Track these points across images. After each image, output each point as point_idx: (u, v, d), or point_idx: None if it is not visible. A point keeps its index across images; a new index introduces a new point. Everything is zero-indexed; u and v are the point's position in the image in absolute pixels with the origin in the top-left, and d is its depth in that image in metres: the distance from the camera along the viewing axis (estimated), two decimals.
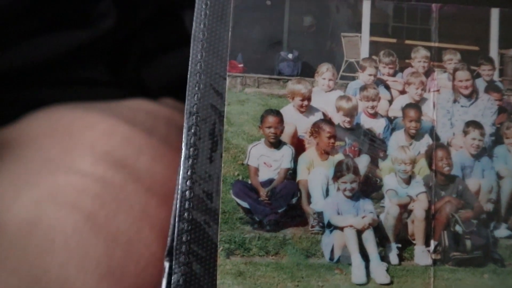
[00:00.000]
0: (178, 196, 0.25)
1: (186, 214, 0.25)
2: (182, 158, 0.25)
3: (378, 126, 0.25)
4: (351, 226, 0.25)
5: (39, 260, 0.36)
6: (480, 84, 0.26)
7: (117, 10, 0.44)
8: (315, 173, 0.25)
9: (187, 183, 0.25)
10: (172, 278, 0.25)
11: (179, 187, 0.25)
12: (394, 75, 0.26)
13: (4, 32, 0.43)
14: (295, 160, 0.25)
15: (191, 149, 0.25)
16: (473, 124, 0.25)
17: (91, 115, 0.44)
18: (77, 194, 0.38)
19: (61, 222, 0.37)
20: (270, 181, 0.25)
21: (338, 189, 0.25)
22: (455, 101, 0.26)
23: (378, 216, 0.25)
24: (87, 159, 0.40)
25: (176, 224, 0.25)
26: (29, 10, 0.43)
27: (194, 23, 0.26)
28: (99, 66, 0.47)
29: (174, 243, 0.25)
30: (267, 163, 0.25)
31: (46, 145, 0.42)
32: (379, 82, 0.26)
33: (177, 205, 0.25)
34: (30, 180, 0.39)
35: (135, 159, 0.41)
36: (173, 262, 0.25)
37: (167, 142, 0.44)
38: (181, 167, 0.25)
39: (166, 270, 0.27)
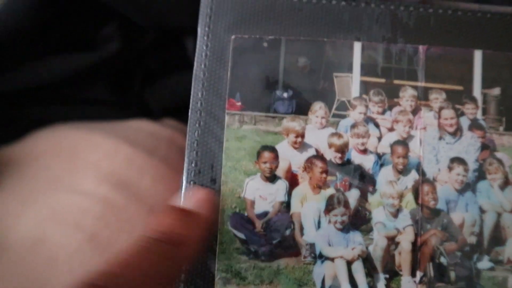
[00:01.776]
0: None
1: None
2: (183, 191, 0.27)
3: (367, 161, 0.26)
4: (341, 257, 0.25)
5: (43, 278, 0.35)
6: (464, 122, 0.27)
7: (122, 34, 0.45)
8: (307, 206, 0.26)
9: None
10: None
11: None
12: (383, 113, 0.27)
13: (12, 53, 0.43)
14: (289, 193, 0.26)
15: (191, 183, 0.26)
16: (458, 160, 0.26)
17: (95, 135, 0.43)
18: (81, 214, 0.38)
19: (64, 241, 0.37)
20: (265, 213, 0.26)
21: (330, 221, 0.26)
22: (440, 138, 0.27)
23: (367, 248, 0.25)
24: (90, 179, 0.40)
25: None
26: (37, 32, 0.43)
27: (195, 63, 0.27)
28: (103, 87, 0.48)
29: None
30: (262, 196, 0.26)
31: (51, 164, 0.42)
32: (368, 120, 0.27)
33: None
34: (34, 199, 0.39)
35: (137, 179, 0.41)
36: None
37: (168, 163, 0.43)
38: (182, 200, 0.27)
39: None
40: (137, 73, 0.49)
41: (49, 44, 0.45)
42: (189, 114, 0.27)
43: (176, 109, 0.50)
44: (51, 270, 0.35)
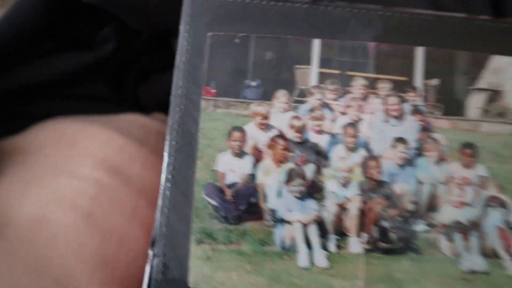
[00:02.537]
0: (161, 196, 0.31)
1: (166, 210, 0.30)
2: (165, 165, 0.31)
3: (322, 141, 0.31)
4: (298, 221, 0.29)
5: (44, 252, 0.38)
6: (407, 107, 0.31)
7: (117, 36, 0.47)
8: (270, 178, 0.30)
9: (168, 185, 0.30)
10: (153, 262, 0.30)
11: (162, 188, 0.31)
12: (337, 99, 0.31)
13: (18, 52, 0.46)
14: (255, 167, 0.30)
15: (172, 158, 0.30)
16: (400, 140, 0.30)
17: (91, 127, 0.46)
18: (77, 196, 0.40)
19: (62, 219, 0.39)
20: (234, 184, 0.30)
21: (289, 191, 0.30)
22: (386, 121, 0.31)
23: (320, 213, 0.30)
24: (86, 166, 0.42)
25: (158, 219, 0.31)
26: (40, 34, 0.46)
27: (177, 56, 0.31)
28: (100, 84, 0.50)
29: (156, 234, 0.31)
30: (232, 169, 0.30)
31: (51, 153, 0.44)
32: (324, 105, 0.31)
33: (160, 203, 0.31)
34: (36, 183, 0.41)
35: (128, 166, 0.43)
36: (155, 250, 0.30)
37: (157, 152, 0.45)
38: (164, 172, 0.31)
39: (150, 257, 0.32)
40: (131, 72, 0.52)
41: (51, 45, 0.48)
42: (171, 99, 0.31)
43: (165, 105, 0.54)
44: (51, 244, 0.38)
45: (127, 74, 0.52)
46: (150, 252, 0.32)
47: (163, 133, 0.48)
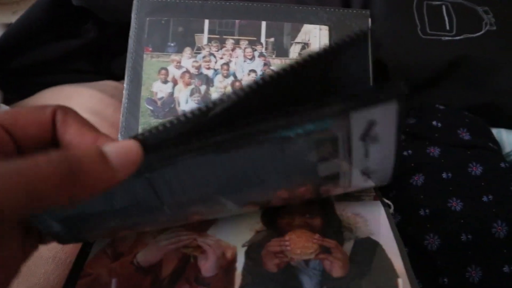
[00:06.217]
0: (123, 107, 0.55)
1: (125, 113, 0.54)
2: (125, 89, 0.55)
3: (210, 73, 0.56)
4: None
5: None
6: (256, 53, 0.57)
7: (97, 28, 0.64)
8: (182, 94, 0.55)
9: (126, 100, 0.55)
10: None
11: (123, 102, 0.55)
12: (218, 51, 0.57)
13: (30, 40, 0.61)
14: (173, 88, 0.55)
15: (128, 85, 0.55)
16: (252, 70, 0.56)
17: (80, 89, 0.61)
18: None
19: None
20: (162, 97, 0.55)
21: (192, 100, 0.55)
22: (244, 61, 0.57)
23: None
24: (78, 111, 0.67)
25: (122, 120, 0.55)
26: (45, 27, 0.61)
27: (130, 32, 0.56)
28: (85, 62, 0.67)
29: (120, 130, 0.55)
30: (161, 90, 0.55)
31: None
32: (211, 54, 0.56)
33: (122, 111, 0.55)
34: None
35: (105, 110, 0.59)
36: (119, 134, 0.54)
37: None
38: (124, 93, 0.55)
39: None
40: (106, 52, 0.68)
41: (52, 34, 0.62)
42: (127, 54, 0.56)
43: None
44: None
45: (103, 54, 0.69)
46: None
47: None
